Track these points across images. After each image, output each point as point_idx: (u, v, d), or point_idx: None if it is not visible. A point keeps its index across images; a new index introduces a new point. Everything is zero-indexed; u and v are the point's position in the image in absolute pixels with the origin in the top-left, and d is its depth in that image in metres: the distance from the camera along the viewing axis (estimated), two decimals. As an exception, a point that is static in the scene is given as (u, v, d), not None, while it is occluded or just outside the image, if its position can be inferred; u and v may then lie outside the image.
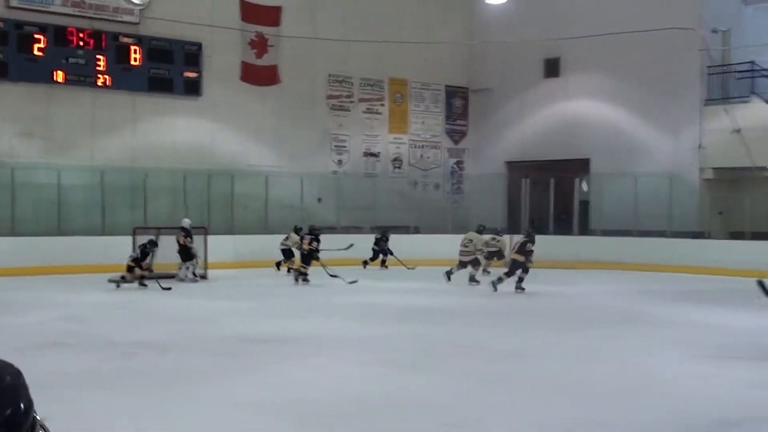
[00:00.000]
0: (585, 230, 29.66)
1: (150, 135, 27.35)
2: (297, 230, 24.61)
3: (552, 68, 31.91)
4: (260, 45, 29.08)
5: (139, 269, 20.11)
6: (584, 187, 30.27)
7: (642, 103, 29.45)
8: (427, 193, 33.11)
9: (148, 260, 20.31)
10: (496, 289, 19.59)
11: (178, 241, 21.84)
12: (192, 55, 27.73)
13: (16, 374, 2.01)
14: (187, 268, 22.04)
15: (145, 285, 19.91)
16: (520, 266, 20.05)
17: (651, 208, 27.68)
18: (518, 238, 21.28)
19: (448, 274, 22.05)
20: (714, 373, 10.91)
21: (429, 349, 12.52)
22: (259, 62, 29.17)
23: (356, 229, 28.53)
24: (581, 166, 30.68)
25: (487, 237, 22.92)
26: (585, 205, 30.31)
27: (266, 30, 29.03)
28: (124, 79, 26.46)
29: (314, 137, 30.67)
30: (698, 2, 27.43)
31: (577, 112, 31.06)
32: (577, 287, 21.97)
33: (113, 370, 10.63)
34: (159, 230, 22.60)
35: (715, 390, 9.88)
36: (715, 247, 26.19)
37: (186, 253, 21.91)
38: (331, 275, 21.77)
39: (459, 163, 34.30)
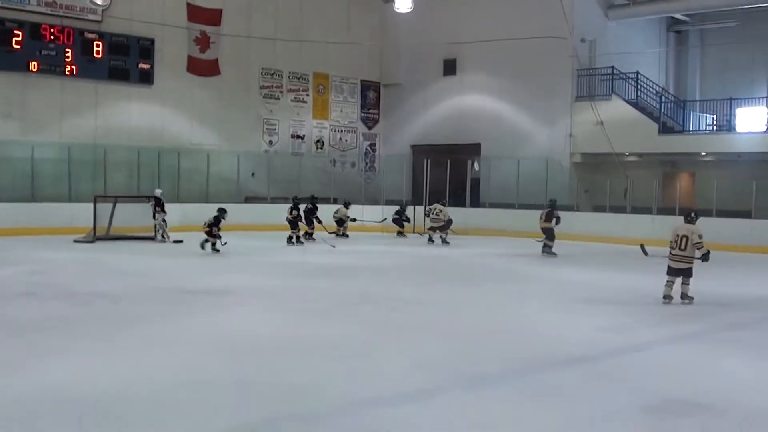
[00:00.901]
0: (476, 203, 32.02)
1: (110, 117, 29.08)
2: (346, 204, 27.97)
3: (450, 67, 34.49)
4: (203, 41, 31.19)
5: (212, 235, 21.07)
6: (476, 167, 32.70)
7: (524, 98, 32.04)
8: (344, 170, 35.74)
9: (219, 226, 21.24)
10: (556, 254, 22.15)
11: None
12: (146, 49, 29.50)
13: None
14: (157, 231, 23.82)
15: (217, 250, 20.91)
16: (550, 232, 22.59)
17: (530, 185, 29.98)
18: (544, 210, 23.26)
19: (430, 238, 26.15)
20: (573, 319, 11.96)
21: (340, 299, 13.50)
22: (202, 56, 31.23)
23: (284, 200, 29.31)
24: (473, 150, 33.16)
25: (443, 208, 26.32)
26: (476, 182, 32.67)
27: (208, 29, 31.16)
28: (89, 69, 28.21)
29: (249, 121, 32.95)
30: (570, 16, 28.74)
31: (470, 105, 33.74)
32: (468, 250, 23.99)
33: (73, 316, 11.43)
34: (116, 198, 24.62)
35: (572, 333, 10.84)
36: (582, 218, 28.33)
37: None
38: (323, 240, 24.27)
39: (372, 145, 37.08)
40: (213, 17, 31.51)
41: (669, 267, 13.91)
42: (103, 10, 28.43)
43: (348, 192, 32.15)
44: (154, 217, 24.17)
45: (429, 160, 32.19)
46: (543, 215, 23.03)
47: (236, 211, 28.00)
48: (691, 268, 13.81)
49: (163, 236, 23.90)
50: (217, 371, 8.31)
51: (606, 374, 8.61)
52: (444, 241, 25.81)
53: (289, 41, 33.04)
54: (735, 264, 21.66)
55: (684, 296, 13.81)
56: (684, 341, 10.65)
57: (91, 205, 23.84)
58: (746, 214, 25.88)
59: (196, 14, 31.09)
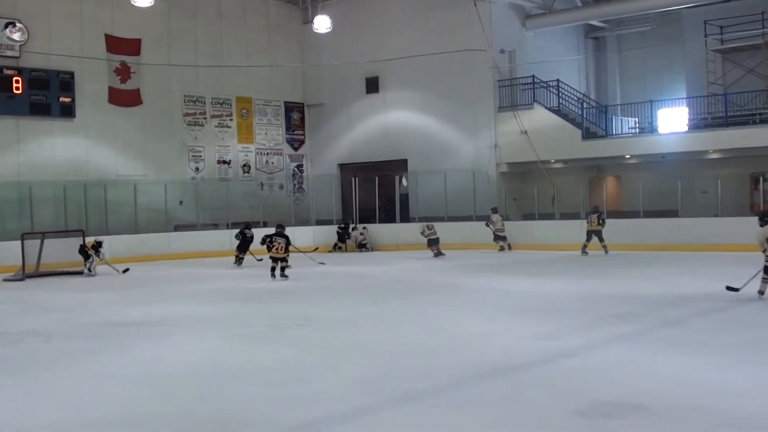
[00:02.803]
0: (405, 218, 32.27)
1: (33, 153, 28.83)
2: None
3: (372, 85, 34.64)
4: (124, 72, 31.05)
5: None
6: (404, 182, 32.93)
7: (448, 112, 32.36)
8: (273, 192, 35.69)
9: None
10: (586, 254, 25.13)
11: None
12: (66, 82, 29.37)
13: None
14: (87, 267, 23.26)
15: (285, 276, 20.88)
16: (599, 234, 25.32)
17: (459, 197, 30.29)
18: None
19: (437, 254, 26.83)
20: (507, 329, 12.11)
21: (274, 323, 13.51)
22: (123, 87, 31.07)
23: (213, 226, 30.44)
24: (400, 166, 33.49)
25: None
26: (405, 197, 33.06)
27: (128, 59, 31.06)
28: (9, 105, 28.07)
29: (174, 149, 32.80)
30: (488, 28, 29.73)
31: (395, 121, 34.00)
32: (397, 266, 24.22)
33: (4, 357, 11.26)
34: (44, 234, 24.41)
35: (507, 342, 10.95)
36: (512, 227, 28.75)
37: (85, 254, 23.33)
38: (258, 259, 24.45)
39: (299, 166, 37.05)
40: (132, 47, 31.45)
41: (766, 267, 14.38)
42: (20, 46, 28.40)
43: (278, 215, 31.73)
44: (96, 255, 23.62)
45: (357, 178, 32.66)
46: (594, 220, 25.60)
47: (166, 241, 28.96)
48: None
49: (90, 270, 23.36)
50: (150, 403, 8.22)
51: (540, 381, 8.70)
52: (440, 253, 26.94)
53: (210, 67, 33.14)
54: (664, 263, 22.18)
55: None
56: (616, 343, 10.77)
57: (19, 242, 23.59)
58: (673, 213, 26.53)
59: (115, 45, 31.02)
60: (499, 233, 28.41)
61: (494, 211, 28.66)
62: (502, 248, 28.36)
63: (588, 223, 25.84)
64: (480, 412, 7.56)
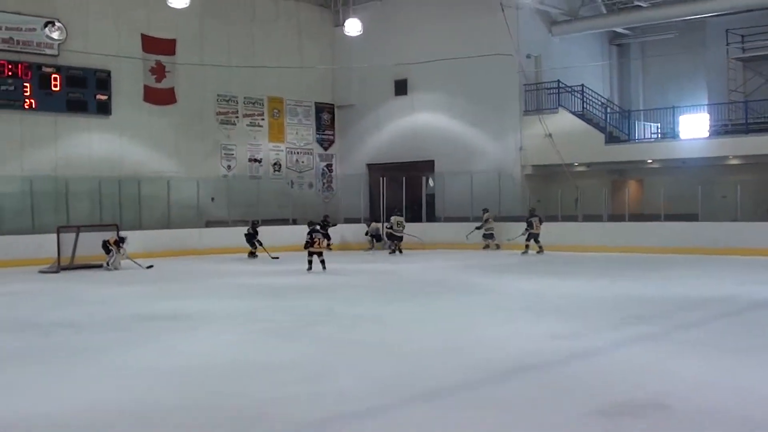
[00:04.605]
0: (432, 218, 32.64)
1: (69, 149, 29.26)
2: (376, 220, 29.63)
3: (401, 87, 35.16)
4: (159, 71, 31.62)
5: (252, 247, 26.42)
6: (430, 183, 33.56)
7: (474, 115, 32.80)
8: (302, 191, 36.16)
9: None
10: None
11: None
12: (103, 80, 29.84)
13: None
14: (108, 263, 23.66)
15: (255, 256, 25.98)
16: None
17: (484, 198, 30.53)
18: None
19: (393, 251, 28.11)
20: (526, 329, 12.04)
21: (298, 319, 13.48)
22: (158, 85, 31.59)
23: (244, 223, 29.93)
24: (427, 167, 33.98)
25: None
26: (431, 197, 33.42)
27: (163, 58, 31.63)
28: (47, 102, 28.53)
29: (207, 147, 33.38)
30: (515, 33, 30.18)
31: (422, 123, 34.42)
32: (422, 264, 24.33)
33: (30, 347, 11.40)
34: (79, 228, 24.65)
35: (526, 342, 10.85)
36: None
37: (106, 249, 23.69)
38: (273, 257, 25.85)
39: (328, 165, 37.51)
40: (167, 47, 31.99)
41: None
42: (59, 45, 28.84)
43: (307, 213, 32.14)
44: (117, 251, 24.05)
45: (385, 178, 32.84)
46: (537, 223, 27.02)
47: (198, 236, 29.38)
48: None
49: (108, 264, 23.73)
50: (172, 397, 8.26)
51: (558, 380, 8.70)
52: (400, 251, 27.99)
53: (243, 67, 33.49)
54: (683, 266, 22.36)
55: None
56: (635, 344, 10.76)
57: (55, 235, 23.92)
58: (693, 217, 26.71)
59: (150, 45, 31.54)
60: (488, 232, 29.28)
61: (485, 211, 29.53)
62: (487, 246, 29.27)
63: (534, 226, 27.12)
64: (499, 411, 7.58)
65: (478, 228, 29.27)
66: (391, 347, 10.97)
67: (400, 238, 28.58)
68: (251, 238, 27.47)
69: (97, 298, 17.15)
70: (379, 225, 28.96)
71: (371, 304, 15.89)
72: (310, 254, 22.03)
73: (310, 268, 21.89)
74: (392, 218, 29.02)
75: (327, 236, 22.75)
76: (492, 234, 29.32)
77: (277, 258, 26.23)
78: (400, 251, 28.28)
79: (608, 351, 10.36)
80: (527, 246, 27.26)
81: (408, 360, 10.03)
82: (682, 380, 8.65)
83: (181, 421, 7.48)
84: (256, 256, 27.32)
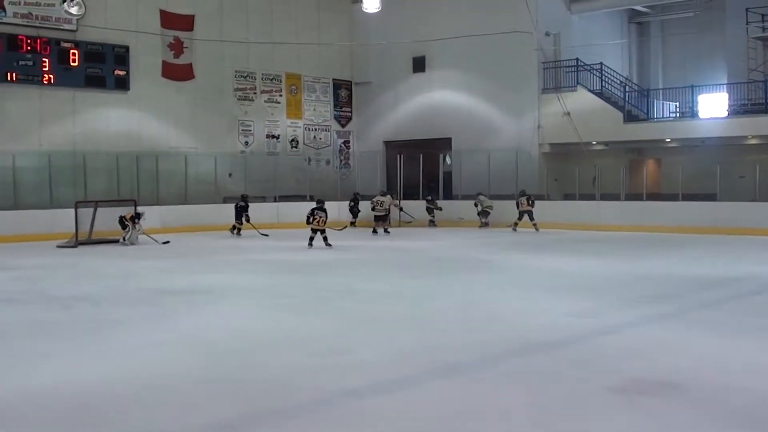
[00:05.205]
0: (448, 195, 32.58)
1: (88, 124, 29.38)
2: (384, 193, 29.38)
3: (419, 64, 35.07)
4: (177, 47, 31.64)
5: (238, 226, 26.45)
6: (447, 160, 33.54)
7: (492, 93, 32.63)
8: (319, 167, 36.19)
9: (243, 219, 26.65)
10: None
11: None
12: (121, 56, 29.96)
13: None
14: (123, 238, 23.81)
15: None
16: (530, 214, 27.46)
17: (501, 176, 30.71)
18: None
19: (374, 231, 27.73)
20: (543, 306, 12.08)
21: (318, 295, 13.57)
22: (176, 61, 31.66)
23: (261, 199, 30.67)
24: (445, 144, 34.02)
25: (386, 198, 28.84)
26: (448, 175, 33.41)
27: (182, 34, 31.62)
28: (65, 77, 28.65)
29: (224, 123, 33.40)
30: (534, 10, 29.66)
31: (440, 100, 34.34)
32: (439, 242, 24.31)
33: (53, 320, 11.48)
34: (97, 203, 24.82)
35: (543, 319, 10.91)
36: (552, 206, 29.22)
37: (122, 224, 23.90)
38: (263, 234, 26.02)
39: (345, 142, 37.53)
40: (186, 23, 31.98)
41: None
42: (77, 20, 28.84)
43: (324, 189, 32.41)
44: (133, 227, 24.10)
45: (402, 155, 32.95)
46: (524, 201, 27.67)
47: (216, 211, 29.51)
48: None
49: (124, 239, 23.89)
50: (195, 370, 8.35)
51: (576, 357, 8.73)
52: (386, 230, 28.13)
53: (261, 43, 33.55)
54: (701, 245, 22.32)
55: None
56: (652, 322, 10.78)
57: (73, 210, 24.11)
58: (711, 197, 26.64)
59: (169, 20, 31.54)
60: (488, 209, 29.54)
61: (478, 194, 29.95)
62: (485, 224, 29.52)
63: (519, 204, 27.91)
64: (517, 386, 7.64)
65: (475, 205, 29.86)
66: (410, 322, 11.07)
67: (384, 218, 28.55)
68: (242, 211, 27.31)
69: (116, 272, 17.17)
70: (385, 199, 28.77)
71: (391, 279, 15.93)
72: (313, 231, 22.43)
73: (310, 245, 22.27)
74: (375, 198, 28.78)
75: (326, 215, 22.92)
76: (488, 212, 29.62)
77: (266, 235, 26.45)
78: (386, 231, 28.18)
79: (626, 328, 10.36)
80: (516, 224, 28.08)
81: (428, 334, 10.13)
82: (698, 359, 8.68)
83: (211, 392, 7.58)
84: (240, 234, 27.27)
